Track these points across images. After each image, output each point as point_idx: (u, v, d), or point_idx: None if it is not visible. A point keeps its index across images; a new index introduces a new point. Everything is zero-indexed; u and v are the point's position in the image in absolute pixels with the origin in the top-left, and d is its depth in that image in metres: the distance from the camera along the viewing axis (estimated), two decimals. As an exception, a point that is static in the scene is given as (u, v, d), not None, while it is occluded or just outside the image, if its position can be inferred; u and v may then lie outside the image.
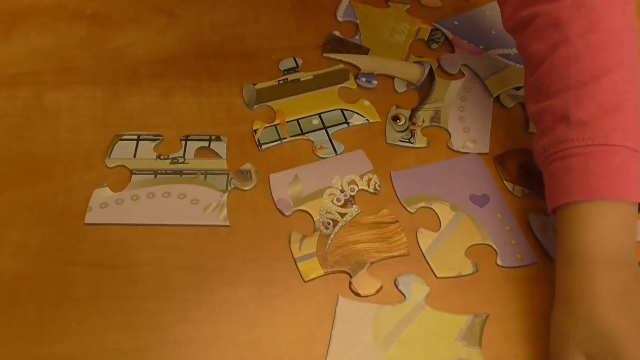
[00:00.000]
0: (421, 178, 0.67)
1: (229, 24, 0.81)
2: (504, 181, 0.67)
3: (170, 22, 0.81)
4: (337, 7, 0.82)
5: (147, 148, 0.69)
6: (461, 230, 0.63)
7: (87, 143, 0.69)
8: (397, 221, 0.63)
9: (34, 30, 0.80)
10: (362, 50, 0.77)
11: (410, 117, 0.71)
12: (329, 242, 0.62)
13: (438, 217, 0.64)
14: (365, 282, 0.60)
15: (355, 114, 0.72)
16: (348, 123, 0.71)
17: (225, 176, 0.66)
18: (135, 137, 0.69)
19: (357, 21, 0.80)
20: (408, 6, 0.82)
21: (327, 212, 0.64)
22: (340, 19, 0.81)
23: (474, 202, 0.65)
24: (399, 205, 0.65)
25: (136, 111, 0.72)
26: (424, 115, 0.71)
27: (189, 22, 0.81)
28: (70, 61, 0.77)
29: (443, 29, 0.79)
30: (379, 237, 0.62)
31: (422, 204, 0.65)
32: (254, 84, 0.74)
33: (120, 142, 0.69)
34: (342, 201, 0.65)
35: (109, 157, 0.68)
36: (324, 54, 0.77)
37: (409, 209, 0.64)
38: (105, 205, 0.64)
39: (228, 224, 0.63)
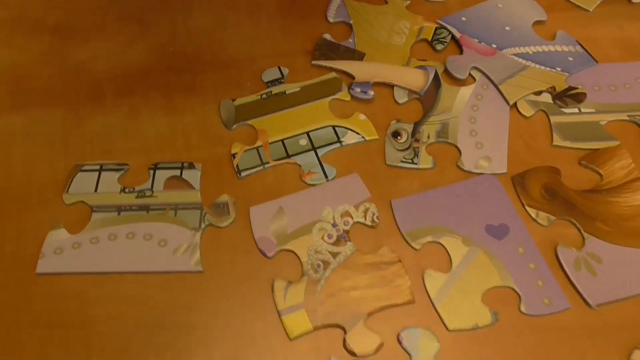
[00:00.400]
0: (427, 206, 0.56)
1: (205, 30, 0.72)
2: (526, 207, 0.56)
3: (140, 30, 0.72)
4: (328, 6, 0.72)
5: (110, 179, 0.59)
6: (476, 270, 0.53)
7: (42, 175, 0.61)
8: (399, 261, 0.54)
9: (-11, 46, 0.71)
10: (356, 55, 0.67)
11: (413, 133, 0.61)
12: (319, 289, 0.52)
13: (448, 253, 0.54)
14: (363, 339, 0.50)
15: (349, 131, 0.62)
16: (341, 142, 0.61)
17: (199, 211, 0.57)
18: (98, 167, 0.60)
19: (351, 21, 0.70)
20: (408, 1, 0.72)
21: (316, 252, 0.54)
22: (331, 20, 0.70)
23: (490, 234, 0.55)
24: (402, 240, 0.55)
25: (99, 135, 0.63)
26: (429, 130, 0.61)
27: (161, 31, 0.72)
28: (27, 80, 0.68)
29: (449, 27, 0.69)
30: (378, 282, 0.53)
31: (429, 238, 0.55)
32: (233, 100, 0.65)
33: (80, 173, 0.60)
34: (335, 237, 0.55)
35: (67, 191, 0.59)
36: (313, 61, 0.67)
37: (413, 244, 0.55)
38: (61, 251, 0.55)
39: (201, 269, 0.54)
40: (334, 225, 0.56)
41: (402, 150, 0.60)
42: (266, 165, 0.60)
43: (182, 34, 0.72)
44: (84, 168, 0.60)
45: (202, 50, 0.70)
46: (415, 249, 0.55)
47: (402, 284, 0.53)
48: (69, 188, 0.59)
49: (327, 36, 0.69)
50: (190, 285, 0.54)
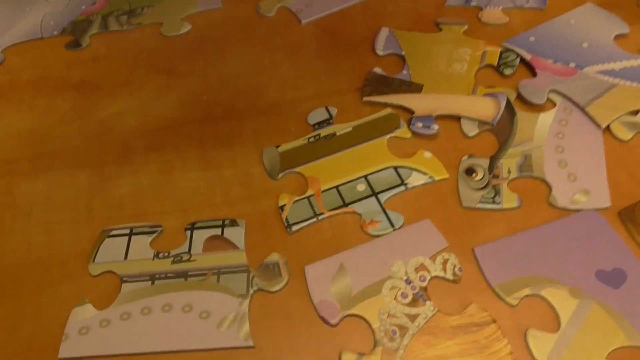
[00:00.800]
0: (519, 253, 0.47)
1: (240, 76, 0.65)
2: (642, 246, 0.46)
3: (170, 82, 0.65)
4: (375, 39, 0.64)
5: (142, 244, 0.51)
6: (592, 328, 0.42)
7: (65, 245, 0.53)
8: (494, 321, 0.43)
9: (9, 110, 0.66)
10: (413, 87, 0.59)
11: (491, 169, 0.52)
12: (398, 361, 0.42)
13: (553, 309, 0.44)
14: (460, 423, 0.39)
15: (414, 172, 0.53)
16: (405, 185, 0.52)
17: (245, 274, 0.48)
18: (127, 231, 0.52)
19: (403, 53, 0.62)
20: (466, 26, 0.64)
21: (390, 316, 0.44)
22: (380, 53, 0.63)
23: (603, 282, 0.44)
24: (492, 295, 0.45)
25: (128, 196, 0.56)
26: (508, 164, 0.52)
27: (193, 80, 0.65)
28: (50, 142, 0.61)
29: (517, 49, 0.60)
30: (470, 348, 0.42)
31: (527, 291, 0.45)
32: (277, 146, 0.56)
33: (107, 239, 0.52)
34: (410, 297, 0.45)
35: (93, 261, 0.50)
36: (364, 98, 0.59)
37: (508, 299, 0.44)
38: (87, 331, 0.46)
39: (252, 343, 0.45)
40: (408, 282, 0.46)
41: (479, 189, 0.51)
42: (320, 217, 0.51)
43: (215, 82, 0.65)
44: (112, 233, 0.53)
45: (238, 97, 0.63)
46: (511, 305, 0.45)
47: (501, 349, 0.42)
48: (95, 257, 0.51)
49: (378, 70, 0.61)
50: (240, 365, 0.44)
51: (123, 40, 0.72)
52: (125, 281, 0.49)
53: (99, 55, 0.70)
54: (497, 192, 0.50)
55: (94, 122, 0.63)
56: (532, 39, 0.61)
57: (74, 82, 0.68)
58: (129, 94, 0.65)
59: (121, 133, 0.61)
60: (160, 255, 0.51)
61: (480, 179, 0.51)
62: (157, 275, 0.49)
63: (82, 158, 0.60)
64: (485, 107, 0.56)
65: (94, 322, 0.47)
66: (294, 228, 0.51)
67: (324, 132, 0.57)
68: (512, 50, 0.61)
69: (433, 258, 0.47)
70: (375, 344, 0.44)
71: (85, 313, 0.48)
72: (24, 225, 0.55)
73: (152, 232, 0.52)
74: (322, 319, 0.45)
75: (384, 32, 0.65)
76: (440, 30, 0.65)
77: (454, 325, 0.44)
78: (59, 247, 0.53)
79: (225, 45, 0.69)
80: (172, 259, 0.50)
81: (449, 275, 0.46)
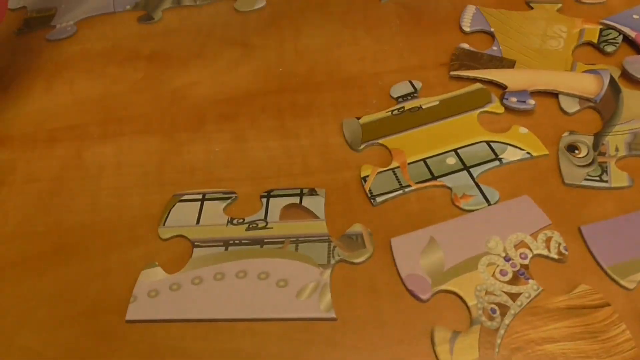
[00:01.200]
0: (633, 233, 0.42)
1: (318, 49, 0.62)
2: None
3: (245, 54, 0.63)
4: (461, 16, 0.61)
5: (215, 210, 0.48)
6: None
7: (134, 208, 0.50)
8: (608, 304, 0.39)
9: (80, 78, 0.64)
10: (504, 63, 0.55)
11: (596, 146, 0.47)
12: (499, 341, 0.38)
13: (676, 293, 0.39)
14: (573, 411, 0.35)
15: (510, 147, 0.49)
16: (500, 160, 0.48)
17: (326, 244, 0.44)
18: (200, 196, 0.49)
19: (492, 29, 0.59)
20: (559, 5, 0.60)
21: (487, 293, 0.40)
22: (467, 30, 0.60)
23: None
24: (604, 277, 0.41)
25: (201, 163, 0.53)
26: (616, 141, 0.48)
27: (268, 52, 0.62)
28: (120, 109, 0.59)
29: (619, 26, 0.56)
30: (582, 332, 0.38)
31: (645, 274, 0.40)
32: (358, 118, 0.53)
33: (179, 204, 0.49)
34: (510, 274, 0.41)
35: (164, 224, 0.48)
36: (451, 72, 0.55)
37: (623, 282, 0.40)
38: (156, 294, 0.43)
39: (334, 315, 0.41)
40: (507, 259, 0.42)
41: (583, 166, 0.46)
42: (407, 189, 0.47)
43: (291, 55, 0.62)
44: (183, 198, 0.50)
45: (316, 70, 0.60)
46: (627, 289, 0.40)
47: (618, 334, 0.38)
48: (165, 220, 0.48)
49: (465, 45, 0.58)
50: (320, 337, 0.41)
51: (196, 15, 0.70)
52: (197, 246, 0.46)
53: (171, 29, 0.69)
54: (604, 170, 0.46)
55: (166, 90, 0.61)
56: (635, 16, 0.57)
57: (146, 53, 0.66)
58: (201, 66, 0.63)
59: (194, 102, 0.59)
60: (235, 221, 0.47)
61: (585, 156, 0.47)
62: (231, 241, 0.46)
63: (153, 125, 0.58)
64: (587, 83, 0.52)
65: (163, 285, 0.44)
66: (378, 199, 0.47)
67: (408, 105, 0.54)
68: (614, 28, 0.56)
69: (534, 235, 0.43)
70: (472, 322, 0.39)
71: (154, 276, 0.45)
72: (93, 188, 0.53)
73: (226, 198, 0.49)
74: (412, 293, 0.41)
75: (470, 10, 0.62)
76: (531, 8, 0.61)
77: (562, 306, 0.39)
78: (128, 211, 0.51)
79: (301, 21, 0.66)
80: (247, 225, 0.47)
81: (554, 254, 0.42)
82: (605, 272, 0.41)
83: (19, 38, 0.71)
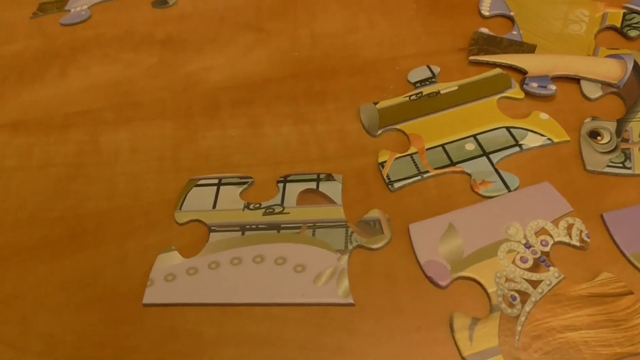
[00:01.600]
0: (656, 220, 0.41)
1: (334, 34, 0.61)
2: None
3: (259, 39, 0.62)
4: (480, 0, 0.60)
5: (231, 195, 0.48)
6: None
7: (150, 194, 0.50)
8: (631, 292, 0.38)
9: (95, 63, 0.64)
10: (525, 47, 0.54)
11: (619, 132, 0.47)
12: (519, 328, 0.37)
13: (701, 282, 0.38)
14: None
15: (530, 133, 0.48)
16: (520, 146, 0.47)
17: (344, 230, 0.44)
18: (216, 181, 0.49)
19: (511, 13, 0.58)
20: (581, -10, 0.59)
21: (508, 280, 0.40)
22: (486, 14, 0.59)
23: None
24: (626, 265, 0.40)
25: (216, 148, 0.52)
26: (639, 128, 0.46)
27: (283, 37, 0.62)
28: (135, 94, 0.59)
29: (642, 10, 0.55)
30: (604, 320, 0.37)
31: (669, 262, 0.39)
32: (375, 103, 0.52)
33: (195, 188, 0.49)
34: (531, 261, 0.40)
35: (180, 209, 0.47)
36: (470, 57, 0.54)
37: (645, 270, 0.39)
38: (173, 278, 0.43)
39: (351, 301, 0.40)
40: (528, 245, 0.41)
41: (606, 152, 0.46)
42: (425, 175, 0.47)
43: (306, 40, 0.62)
44: (199, 182, 0.49)
45: (331, 55, 0.59)
46: (650, 277, 0.39)
47: (641, 323, 0.37)
48: (182, 205, 0.48)
49: (484, 30, 0.57)
50: (337, 322, 0.40)
51: (210, 0, 0.69)
52: (214, 230, 0.46)
53: (185, 14, 0.68)
54: (627, 157, 0.45)
55: (180, 75, 0.61)
56: (658, 0, 0.56)
57: (160, 38, 0.66)
58: (216, 50, 0.63)
59: (208, 87, 0.59)
60: (251, 206, 0.47)
61: (607, 143, 0.46)
62: (247, 226, 0.46)
63: (168, 110, 0.57)
64: (610, 68, 0.51)
65: (180, 269, 0.44)
66: (396, 185, 0.47)
67: (426, 90, 0.53)
68: (638, 12, 0.55)
69: (556, 222, 0.43)
70: (492, 309, 0.39)
71: (171, 260, 0.45)
72: (108, 174, 0.53)
73: (242, 183, 0.49)
74: (430, 279, 0.41)
75: (490, -6, 0.61)
76: (553, -7, 0.60)
77: (584, 294, 0.39)
78: (144, 196, 0.50)
79: (316, 6, 0.66)
80: (263, 210, 0.47)
81: (575, 241, 0.41)
82: (628, 260, 0.40)
83: (34, 22, 0.71)
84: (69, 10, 0.71)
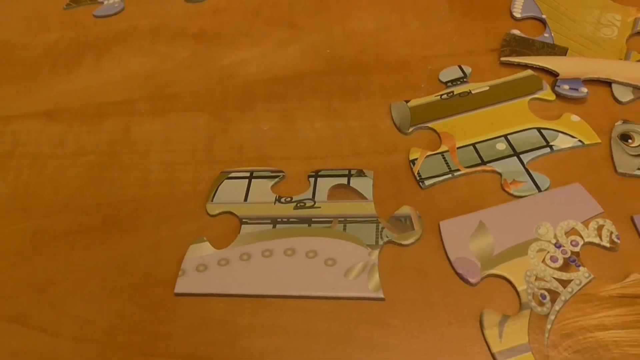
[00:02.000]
0: (687, 223, 0.41)
1: (367, 33, 0.62)
2: None
3: (293, 34, 0.63)
4: (512, 1, 0.60)
5: (263, 188, 0.49)
6: None
7: (183, 184, 0.51)
8: (661, 293, 0.38)
9: (129, 54, 0.65)
10: (556, 50, 0.54)
11: (650, 135, 0.47)
12: (549, 326, 0.38)
13: None
14: (625, 399, 0.35)
15: (561, 134, 0.48)
16: (551, 147, 0.48)
17: (374, 225, 0.45)
18: (248, 174, 0.50)
19: (543, 16, 0.58)
20: (614, -7, 0.59)
21: (537, 279, 0.40)
22: (518, 16, 0.59)
23: None
24: (657, 267, 0.40)
25: (249, 141, 0.53)
26: (670, 132, 0.47)
27: (316, 34, 0.63)
28: (169, 86, 0.60)
29: (675, 16, 0.55)
30: (635, 321, 0.38)
31: (700, 266, 0.39)
32: (407, 101, 0.53)
33: (227, 181, 0.50)
34: (561, 261, 0.41)
35: (212, 200, 0.48)
36: (502, 58, 0.55)
37: (676, 273, 0.39)
38: (204, 268, 0.44)
39: (382, 295, 0.41)
40: (558, 245, 0.42)
41: (637, 155, 0.46)
42: (456, 174, 0.47)
43: (339, 37, 0.62)
44: (231, 175, 0.50)
45: (364, 52, 0.60)
46: (680, 279, 0.40)
47: (671, 325, 0.37)
48: (214, 197, 0.49)
49: (516, 31, 0.57)
50: (368, 316, 0.41)
51: (244, -5, 0.70)
52: (245, 222, 0.47)
53: (219, 8, 0.69)
54: (658, 160, 0.45)
55: (214, 68, 0.61)
56: (693, 6, 0.56)
57: (194, 32, 0.66)
58: (249, 45, 0.63)
59: (242, 80, 0.60)
60: (283, 200, 0.48)
61: (638, 146, 0.46)
62: (279, 219, 0.47)
63: (202, 102, 0.58)
64: (642, 73, 0.51)
65: (212, 260, 0.45)
66: (427, 183, 0.47)
67: (457, 89, 0.54)
68: (670, 18, 0.55)
69: (586, 223, 0.43)
70: (522, 307, 0.39)
71: (202, 250, 0.45)
72: (142, 163, 0.54)
73: (274, 177, 0.50)
74: (461, 276, 0.42)
75: (522, -5, 0.61)
76: (585, -5, 0.60)
77: (614, 294, 0.39)
78: (177, 186, 0.51)
79: (349, 4, 0.66)
80: (295, 204, 0.47)
81: (605, 242, 0.42)
82: (659, 263, 0.40)
83: (67, 13, 0.72)
84: (102, 2, 0.72)
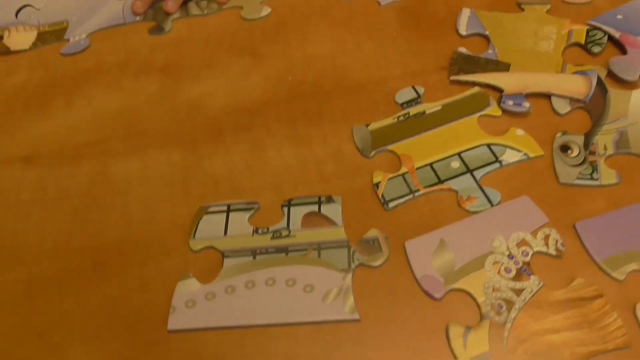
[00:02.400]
0: (623, 227, 0.47)
1: (325, 56, 0.65)
2: None
3: (254, 62, 0.66)
4: (457, 19, 0.65)
5: (240, 220, 0.53)
6: None
7: (164, 221, 0.54)
8: (601, 295, 0.44)
9: (98, 91, 0.67)
10: (500, 66, 0.59)
11: (586, 145, 0.52)
12: (506, 334, 0.43)
13: (662, 283, 0.44)
14: (574, 395, 0.40)
15: (508, 149, 0.53)
16: (500, 162, 0.52)
17: (346, 249, 0.49)
18: (225, 207, 0.54)
19: (487, 32, 0.63)
20: (548, 6, 0.64)
21: (494, 290, 0.45)
22: (463, 33, 0.63)
23: None
24: (597, 270, 0.46)
25: (222, 174, 0.57)
26: (604, 140, 0.52)
27: (277, 60, 0.66)
28: (139, 122, 0.63)
29: (604, 27, 0.60)
30: (580, 322, 0.43)
31: (634, 266, 0.45)
32: (367, 125, 0.57)
33: (206, 216, 0.53)
34: (514, 271, 0.46)
35: (194, 237, 0.52)
36: (451, 77, 0.59)
37: (614, 274, 0.45)
38: (193, 304, 0.48)
39: (357, 317, 0.46)
40: (510, 257, 0.47)
41: (576, 165, 0.51)
42: (416, 194, 0.52)
43: (299, 63, 0.66)
44: (210, 210, 0.54)
45: (324, 77, 0.64)
46: (618, 280, 0.45)
47: (611, 323, 0.42)
48: (195, 233, 0.52)
49: (463, 49, 0.61)
50: (347, 337, 0.45)
51: (204, 25, 0.73)
52: (227, 256, 0.51)
53: (182, 39, 0.72)
54: (594, 169, 0.50)
55: (182, 102, 0.64)
56: (619, 16, 0.61)
57: (159, 65, 0.69)
58: (213, 76, 0.66)
59: (210, 113, 0.63)
60: (260, 231, 0.52)
61: (577, 156, 0.51)
62: (258, 251, 0.50)
63: (174, 137, 0.61)
64: (577, 85, 0.56)
65: (199, 295, 0.49)
66: (391, 205, 0.51)
67: (413, 110, 0.58)
68: (600, 29, 0.60)
69: (534, 233, 0.48)
70: (482, 318, 0.44)
71: (190, 286, 0.49)
72: (122, 203, 0.57)
73: (249, 209, 0.54)
74: (426, 293, 0.46)
75: (466, 13, 0.65)
76: (523, 10, 0.65)
77: (561, 299, 0.44)
78: (158, 223, 0.55)
79: (305, 28, 0.69)
80: (271, 234, 0.51)
81: (552, 250, 0.47)
82: (598, 266, 0.45)
83: (34, 53, 0.74)
84: (68, 40, 0.74)
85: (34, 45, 0.74)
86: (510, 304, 0.44)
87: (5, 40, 0.75)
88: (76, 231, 0.55)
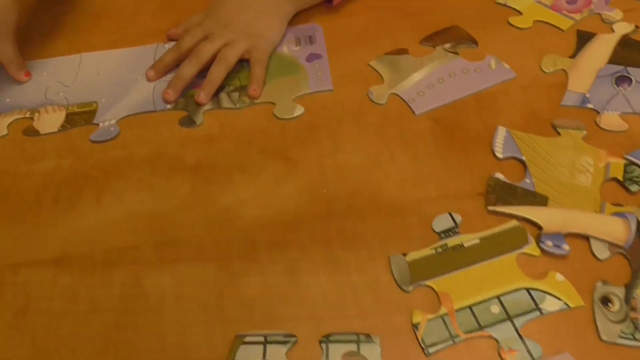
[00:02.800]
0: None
1: (359, 168, 0.66)
2: None
3: (287, 169, 0.67)
4: (493, 139, 0.65)
5: (278, 354, 0.53)
6: None
7: (199, 348, 0.55)
8: None
9: (129, 189, 0.67)
10: (538, 199, 0.59)
11: (627, 299, 0.52)
12: None
13: None
14: None
15: (548, 296, 0.53)
16: (541, 310, 0.53)
17: (387, 399, 0.49)
18: (262, 339, 0.54)
19: (523, 158, 0.63)
20: (585, 132, 0.64)
21: None
22: (500, 156, 0.64)
23: None
24: None
25: (258, 298, 0.57)
26: (646, 295, 0.52)
27: (310, 169, 0.66)
28: (172, 229, 0.63)
29: (642, 163, 0.61)
30: None
31: None
32: (404, 254, 0.57)
33: (242, 346, 0.53)
34: None
35: (230, 368, 0.52)
36: (489, 207, 0.59)
37: None
38: None
39: None
40: (553, 421, 0.47)
41: (617, 322, 0.51)
42: (456, 339, 0.52)
43: (332, 174, 0.66)
44: (246, 340, 0.54)
45: (358, 193, 0.64)
46: None
47: None
48: (232, 365, 0.52)
49: (500, 176, 0.62)
50: None
51: (236, 119, 0.73)
52: (267, 395, 0.50)
53: (213, 135, 0.71)
54: (636, 327, 0.51)
55: (215, 209, 0.64)
56: (656, 152, 0.62)
57: (190, 163, 0.69)
58: (246, 182, 0.66)
59: (243, 224, 0.63)
60: (298, 368, 0.52)
61: (618, 311, 0.52)
62: (297, 392, 0.50)
63: (207, 250, 0.61)
64: (616, 229, 0.56)
65: None
66: (431, 350, 0.52)
67: (450, 242, 0.58)
68: (637, 164, 0.61)
69: (576, 396, 0.48)
70: None
71: None
72: (156, 322, 0.56)
73: (286, 342, 0.54)
74: None
75: (502, 133, 0.66)
76: (559, 133, 0.65)
77: None
78: (194, 351, 0.55)
79: (337, 132, 0.70)
80: (310, 374, 0.51)
81: (594, 418, 0.47)
82: None
83: (63, 137, 0.73)
84: (97, 124, 0.73)
85: (62, 127, 0.74)
86: None
87: (35, 123, 0.74)
88: (110, 351, 0.55)
